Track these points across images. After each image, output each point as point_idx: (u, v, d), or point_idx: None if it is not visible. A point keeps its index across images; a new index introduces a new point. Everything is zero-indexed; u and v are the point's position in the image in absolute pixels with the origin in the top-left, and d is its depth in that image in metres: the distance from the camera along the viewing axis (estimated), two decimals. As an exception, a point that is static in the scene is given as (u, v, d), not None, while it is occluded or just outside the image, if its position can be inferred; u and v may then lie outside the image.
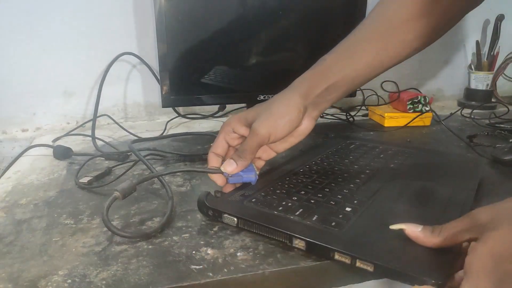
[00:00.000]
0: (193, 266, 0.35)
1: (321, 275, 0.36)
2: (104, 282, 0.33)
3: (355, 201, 0.43)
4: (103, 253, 0.38)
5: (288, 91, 0.48)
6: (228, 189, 0.47)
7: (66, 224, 0.44)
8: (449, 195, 0.45)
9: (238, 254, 0.37)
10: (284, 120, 0.46)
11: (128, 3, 0.87)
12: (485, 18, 1.17)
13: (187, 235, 0.41)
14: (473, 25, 1.18)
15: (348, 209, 0.42)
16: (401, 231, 0.35)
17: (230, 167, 0.45)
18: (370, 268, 0.33)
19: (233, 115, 0.49)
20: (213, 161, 0.48)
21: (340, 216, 0.40)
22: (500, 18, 1.11)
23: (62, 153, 0.67)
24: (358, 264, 0.33)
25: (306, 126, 0.49)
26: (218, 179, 0.47)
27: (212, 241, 0.40)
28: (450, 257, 0.32)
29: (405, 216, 0.41)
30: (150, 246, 0.39)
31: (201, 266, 0.35)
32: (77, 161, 0.66)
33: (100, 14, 0.85)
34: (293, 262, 0.36)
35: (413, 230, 0.34)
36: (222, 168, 0.46)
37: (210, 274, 0.34)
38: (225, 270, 0.35)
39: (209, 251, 0.38)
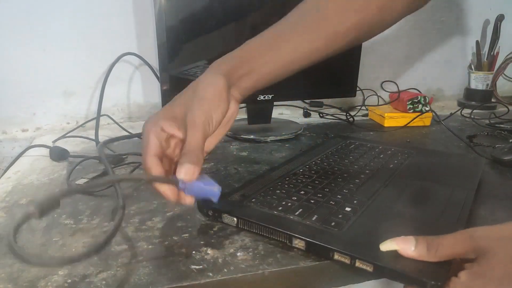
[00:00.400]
0: (193, 266, 0.35)
1: (320, 275, 0.36)
2: (104, 282, 0.33)
3: (355, 201, 0.44)
4: (103, 253, 0.38)
5: (209, 74, 0.43)
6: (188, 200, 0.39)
7: (66, 224, 0.44)
8: (449, 195, 0.46)
9: (238, 254, 0.37)
10: (216, 103, 0.40)
11: (128, 3, 0.87)
12: (485, 18, 1.17)
13: (187, 235, 0.41)
14: (473, 25, 1.18)
15: (347, 209, 0.42)
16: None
17: (188, 171, 0.36)
18: (369, 268, 0.33)
19: (152, 114, 0.42)
20: (156, 167, 0.38)
21: (340, 216, 0.40)
22: (500, 18, 1.11)
23: (58, 154, 0.67)
24: (357, 264, 0.34)
25: (233, 110, 0.44)
26: (170, 193, 0.38)
27: (212, 241, 0.40)
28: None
29: (405, 216, 0.41)
30: (150, 246, 0.39)
31: (201, 266, 0.35)
32: (76, 162, 0.65)
33: (100, 14, 0.85)
34: (293, 262, 0.36)
35: (406, 250, 0.33)
36: (178, 175, 0.36)
37: (210, 274, 0.34)
38: (225, 270, 0.35)
39: (209, 251, 0.38)
